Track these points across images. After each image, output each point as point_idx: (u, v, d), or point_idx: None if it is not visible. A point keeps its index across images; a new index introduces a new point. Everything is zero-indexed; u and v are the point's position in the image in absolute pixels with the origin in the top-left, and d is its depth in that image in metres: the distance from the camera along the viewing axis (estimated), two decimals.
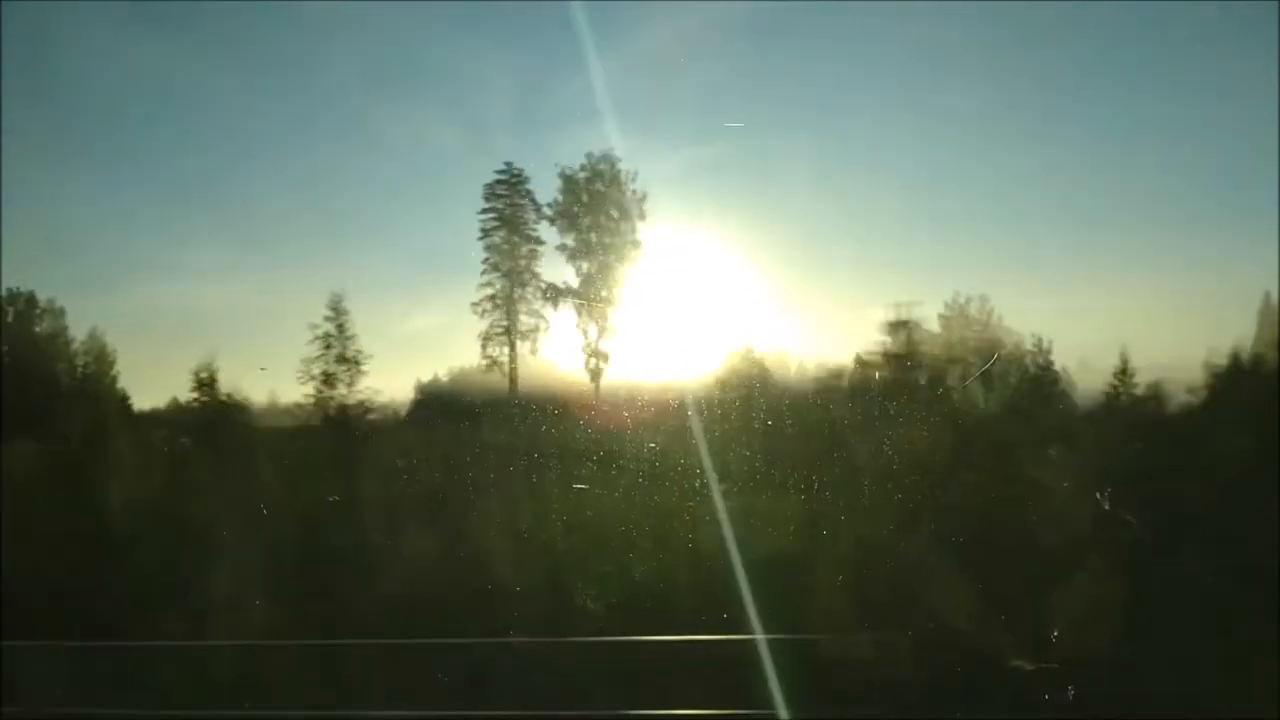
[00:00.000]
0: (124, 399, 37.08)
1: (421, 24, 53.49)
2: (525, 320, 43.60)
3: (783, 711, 8.65)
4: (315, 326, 31.65)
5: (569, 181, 43.39)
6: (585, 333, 43.70)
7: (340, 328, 31.95)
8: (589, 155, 43.20)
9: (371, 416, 31.27)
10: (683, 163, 55.24)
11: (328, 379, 31.71)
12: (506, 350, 42.85)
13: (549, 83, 57.32)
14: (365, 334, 54.64)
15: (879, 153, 53.38)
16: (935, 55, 50.32)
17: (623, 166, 42.70)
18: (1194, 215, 49.04)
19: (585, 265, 43.69)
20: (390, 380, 45.31)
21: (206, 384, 32.64)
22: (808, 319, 48.29)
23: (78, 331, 42.96)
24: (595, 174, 43.34)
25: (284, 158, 55.38)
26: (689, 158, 56.70)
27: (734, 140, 55.38)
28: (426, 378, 40.16)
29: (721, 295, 44.49)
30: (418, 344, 58.99)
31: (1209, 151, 49.76)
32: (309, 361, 31.56)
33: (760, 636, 10.00)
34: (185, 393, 31.53)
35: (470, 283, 43.10)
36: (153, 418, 31.15)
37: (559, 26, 48.76)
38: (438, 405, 30.32)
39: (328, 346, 32.05)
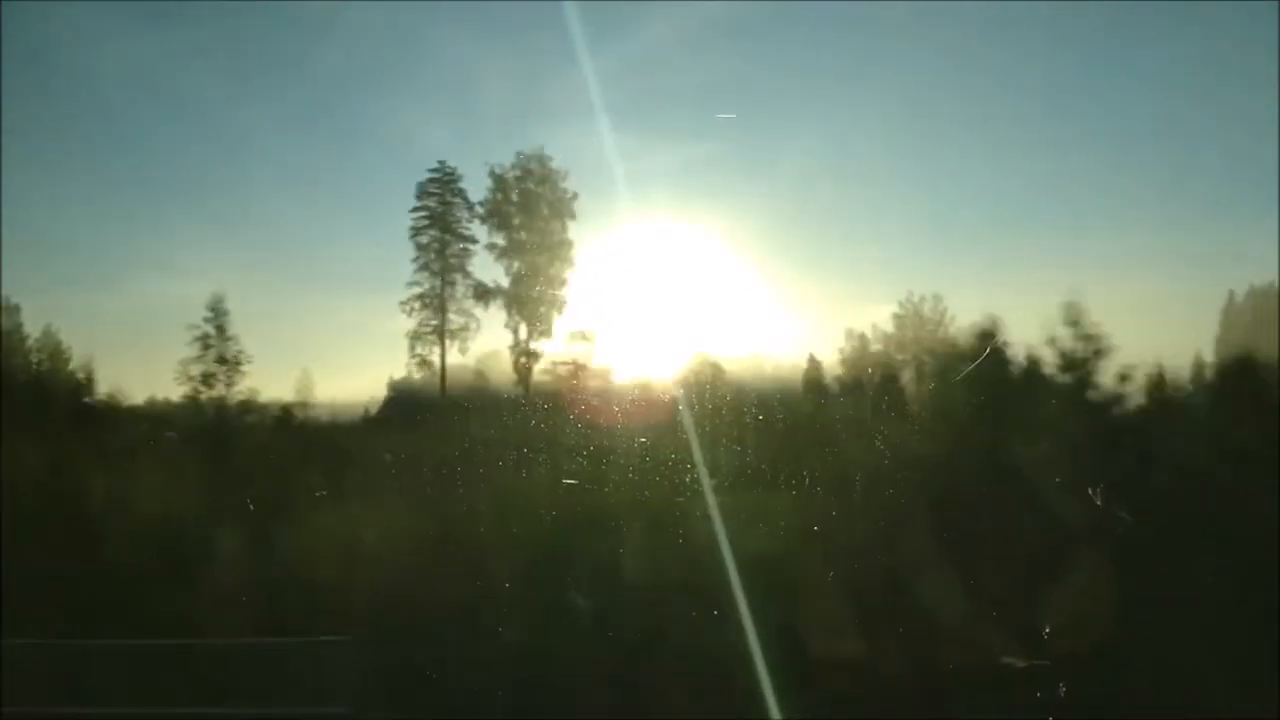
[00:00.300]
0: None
1: (418, 22, 53.11)
2: (455, 319, 43.47)
3: None
4: (194, 327, 31.46)
5: (499, 180, 43.43)
6: (515, 331, 43.92)
7: (220, 329, 31.76)
8: (519, 154, 43.34)
9: (250, 417, 30.98)
10: (678, 159, 55.50)
11: (206, 379, 31.42)
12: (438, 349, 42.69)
13: (545, 80, 57.41)
14: (356, 332, 54.14)
15: (875, 152, 53.01)
16: (930, 54, 51.00)
17: (555, 165, 43.00)
18: (1166, 216, 50.22)
19: (515, 264, 43.81)
20: (375, 377, 44.96)
21: (84, 384, 32.24)
22: (794, 316, 48.61)
23: (33, 329, 41.65)
24: (526, 173, 43.48)
25: (278, 155, 54.92)
26: (682, 154, 56.82)
27: (727, 138, 56.14)
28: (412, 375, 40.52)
29: (701, 291, 44.65)
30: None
31: (1178, 153, 51.70)
32: (187, 362, 31.44)
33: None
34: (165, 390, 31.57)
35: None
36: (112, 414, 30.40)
37: (555, 23, 48.53)
38: (407, 403, 30.09)
39: (206, 347, 31.79)
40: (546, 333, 43.94)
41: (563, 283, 43.69)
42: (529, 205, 43.56)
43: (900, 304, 34.15)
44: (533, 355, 43.83)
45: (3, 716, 9.29)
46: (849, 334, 32.83)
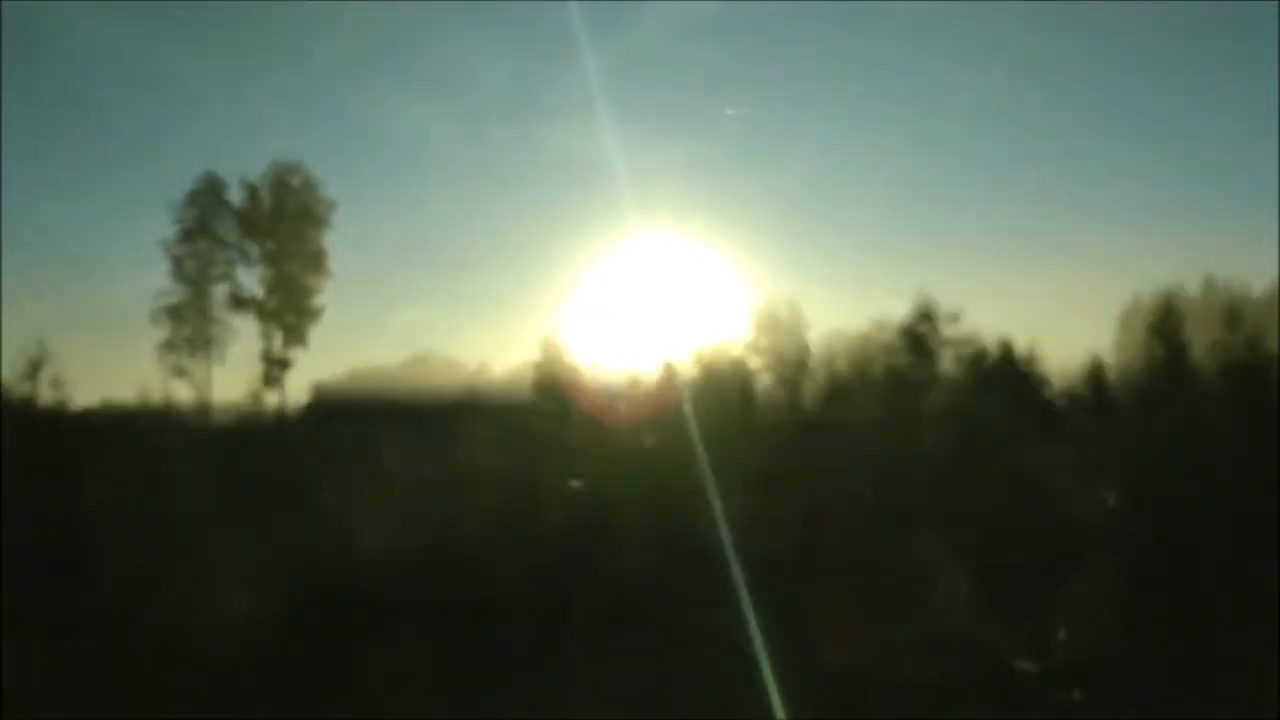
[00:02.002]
0: None
1: (418, 18, 49.33)
2: (208, 329, 42.77)
3: None
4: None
5: (253, 190, 43.37)
6: (267, 340, 43.92)
7: None
8: (274, 163, 43.56)
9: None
10: (676, 155, 54.42)
11: None
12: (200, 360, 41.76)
13: (546, 75, 54.82)
14: (348, 327, 47.61)
15: (874, 149, 55.33)
16: (929, 50, 52.85)
17: (313, 174, 43.79)
18: (1088, 217, 52.26)
19: (269, 273, 43.91)
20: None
21: None
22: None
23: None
24: (280, 183, 43.79)
25: (274, 147, 51.35)
26: (681, 150, 55.59)
27: (728, 134, 55.16)
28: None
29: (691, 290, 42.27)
30: (398, 335, 58.21)
31: (1093, 154, 55.33)
32: None
33: None
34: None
35: (462, 276, 46.93)
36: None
37: (556, 19, 46.78)
38: (326, 407, 29.51)
39: None
40: (300, 341, 44.51)
41: (317, 291, 44.63)
42: (283, 215, 43.93)
43: (758, 309, 32.04)
44: (284, 364, 44.19)
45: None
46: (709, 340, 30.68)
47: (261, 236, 43.54)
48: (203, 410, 29.67)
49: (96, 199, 52.09)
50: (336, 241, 56.31)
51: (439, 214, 59.34)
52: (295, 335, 44.19)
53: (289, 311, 44.08)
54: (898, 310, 22.96)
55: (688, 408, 21.05)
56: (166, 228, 41.30)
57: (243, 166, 47.71)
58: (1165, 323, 24.40)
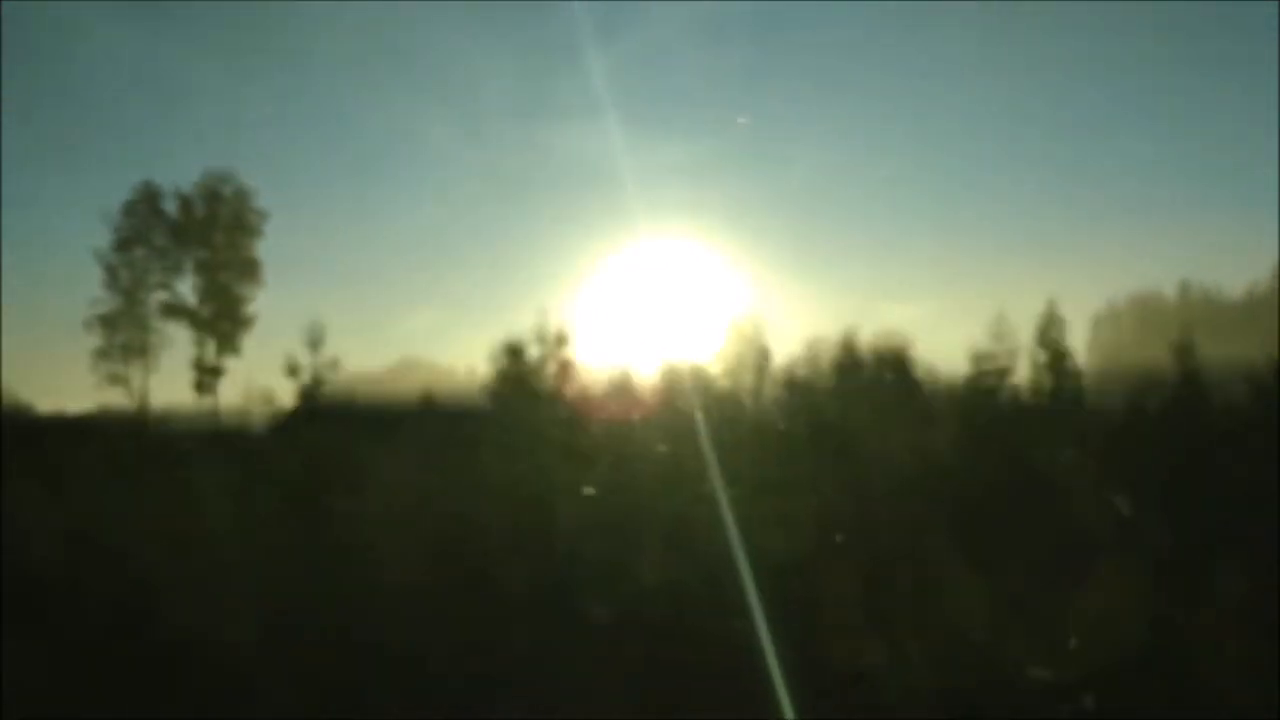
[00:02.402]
0: None
1: (421, 19, 48.06)
2: (140, 337, 42.65)
3: None
4: None
5: (185, 200, 43.44)
6: (200, 348, 43.94)
7: None
8: (206, 173, 43.75)
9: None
10: (681, 156, 53.27)
11: None
12: (137, 369, 41.58)
13: (550, 76, 53.92)
14: (349, 330, 47.22)
15: (879, 149, 56.10)
16: (934, 51, 53.61)
17: (245, 183, 44.15)
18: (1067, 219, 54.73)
19: (202, 282, 43.96)
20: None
21: None
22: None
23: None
24: (212, 192, 43.93)
25: (275, 152, 53.39)
26: (686, 151, 54.40)
27: (733, 135, 53.84)
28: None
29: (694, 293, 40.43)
30: (400, 339, 57.97)
31: (1092, 151, 56.02)
32: None
33: None
34: None
35: (464, 278, 46.45)
36: None
37: (560, 20, 45.84)
38: (310, 412, 29.50)
39: None
40: (233, 350, 44.66)
41: (250, 300, 44.84)
42: (215, 224, 44.08)
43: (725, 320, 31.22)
44: (217, 372, 44.24)
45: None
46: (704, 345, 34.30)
47: (194, 246, 43.57)
48: (210, 416, 30.10)
49: (96, 199, 50.91)
50: (338, 244, 57.13)
51: (441, 216, 59.66)
52: (228, 343, 44.37)
53: (222, 320, 44.22)
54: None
55: (684, 411, 22.08)
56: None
57: (242, 167, 48.01)
58: (1047, 331, 25.47)
